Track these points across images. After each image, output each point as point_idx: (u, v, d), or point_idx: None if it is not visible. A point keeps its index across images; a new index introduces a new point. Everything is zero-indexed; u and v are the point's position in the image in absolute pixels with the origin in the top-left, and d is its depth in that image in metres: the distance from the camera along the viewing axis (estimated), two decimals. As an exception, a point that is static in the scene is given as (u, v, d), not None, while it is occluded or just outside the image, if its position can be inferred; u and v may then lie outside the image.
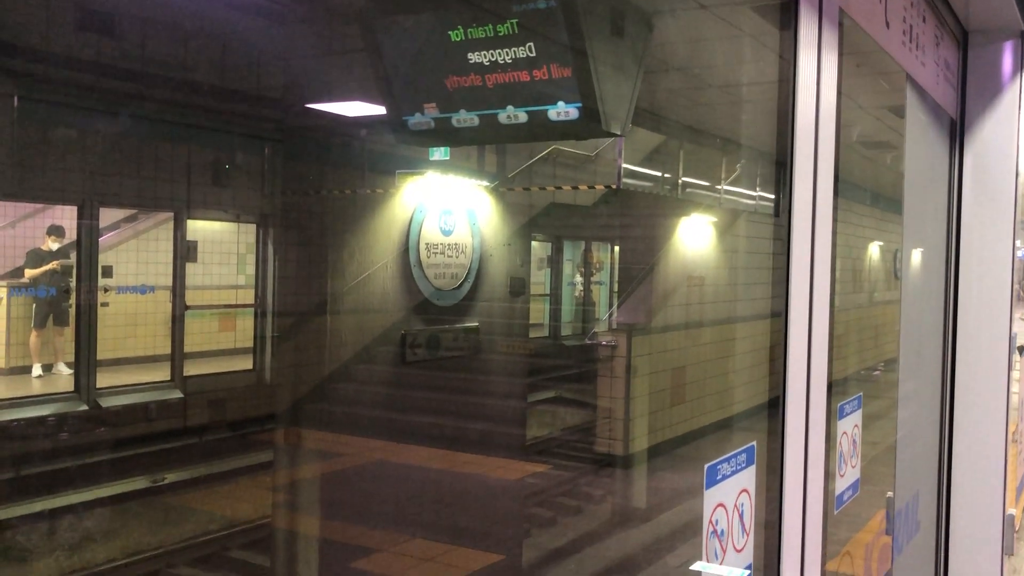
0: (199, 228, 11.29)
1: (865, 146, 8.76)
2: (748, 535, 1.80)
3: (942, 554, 3.02)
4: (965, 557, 2.98)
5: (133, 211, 11.26)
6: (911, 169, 2.98)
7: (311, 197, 9.57)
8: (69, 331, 9.41)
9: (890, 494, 2.71)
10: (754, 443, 1.85)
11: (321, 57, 7.31)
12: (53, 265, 9.58)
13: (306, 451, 7.66)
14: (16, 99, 7.55)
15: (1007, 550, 2.92)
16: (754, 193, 11.61)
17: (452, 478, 7.57)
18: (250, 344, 10.86)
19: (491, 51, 3.53)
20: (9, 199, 9.94)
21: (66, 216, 9.88)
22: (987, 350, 2.98)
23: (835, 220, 1.94)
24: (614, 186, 9.89)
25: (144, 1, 7.49)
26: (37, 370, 9.84)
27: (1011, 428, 3.63)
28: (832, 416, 2.24)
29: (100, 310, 9.18)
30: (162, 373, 9.68)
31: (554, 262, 15.72)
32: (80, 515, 7.37)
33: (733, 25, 6.03)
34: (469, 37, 3.55)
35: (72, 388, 8.63)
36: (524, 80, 3.50)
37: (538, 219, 12.22)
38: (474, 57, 3.56)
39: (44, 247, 9.72)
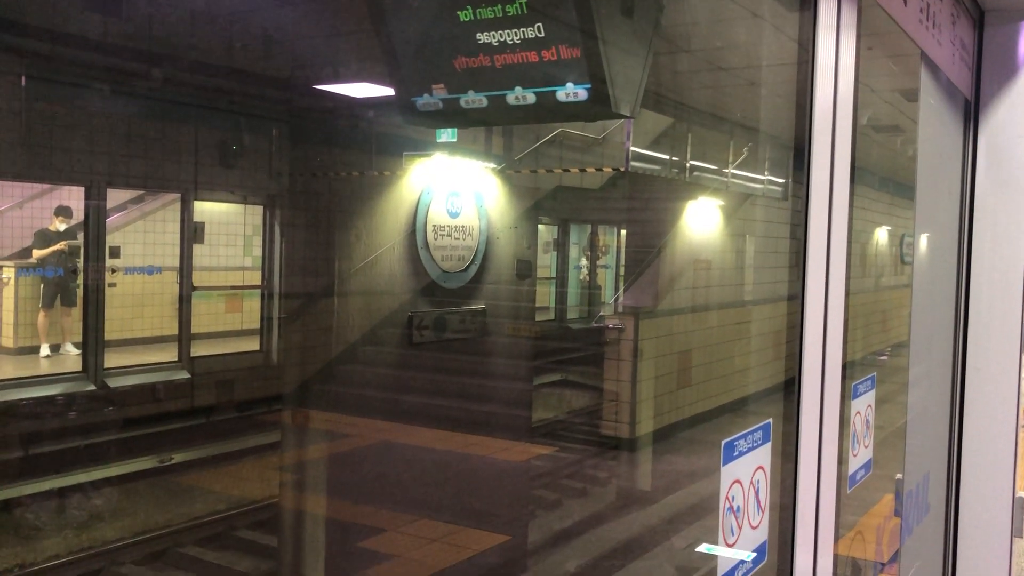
0: (206, 209, 11.29)
1: (875, 130, 8.71)
2: (764, 512, 1.80)
3: (951, 535, 3.03)
4: (974, 539, 2.99)
5: (140, 192, 11.27)
6: (924, 150, 2.96)
7: (318, 179, 9.56)
8: (77, 311, 9.44)
9: (899, 476, 2.71)
10: (770, 420, 1.85)
11: (329, 38, 7.28)
12: (60, 246, 9.61)
13: (313, 432, 7.69)
14: (24, 78, 7.54)
15: (1016, 532, 2.92)
16: (762, 177, 11.56)
17: (458, 459, 7.60)
18: (257, 325, 10.89)
19: (500, 31, 3.50)
20: (17, 179, 9.94)
21: (73, 197, 9.90)
22: (999, 332, 2.97)
23: (851, 204, 1.93)
24: (622, 169, 9.85)
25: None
26: (45, 350, 9.88)
27: (1022, 413, 3.62)
28: (846, 399, 2.24)
29: (107, 291, 9.20)
30: (169, 354, 9.71)
31: (561, 245, 15.70)
32: (88, 494, 7.42)
33: (743, 6, 5.99)
34: (478, 17, 3.52)
35: (80, 368, 8.67)
36: (533, 61, 3.48)
37: (545, 202, 12.20)
38: (483, 37, 3.54)
39: (52, 228, 9.74)
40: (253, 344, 10.66)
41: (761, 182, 11.55)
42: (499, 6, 3.43)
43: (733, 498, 1.69)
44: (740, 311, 10.62)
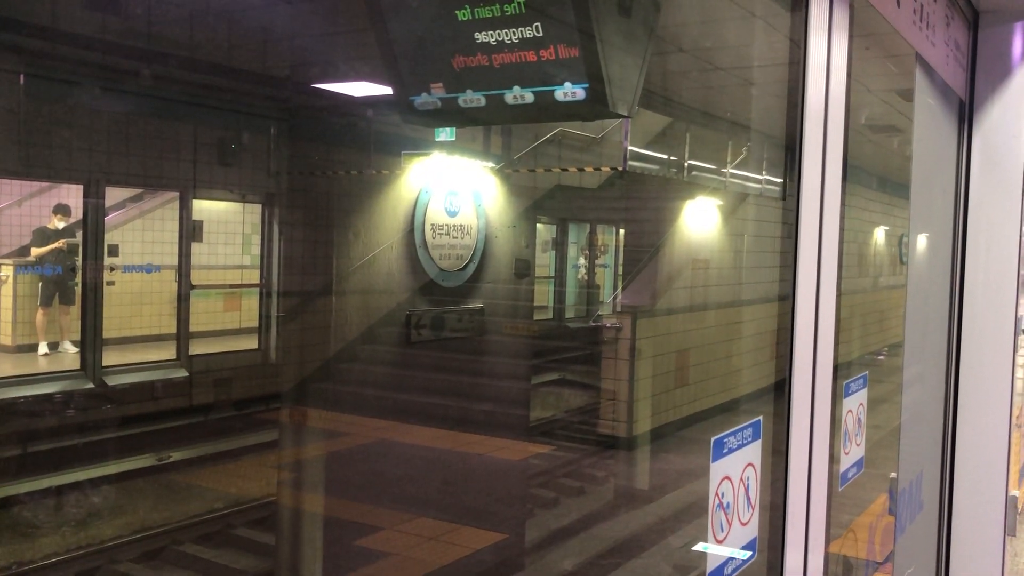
0: (205, 208, 11.30)
1: (872, 130, 8.72)
2: (754, 509, 1.81)
3: (944, 534, 3.04)
4: (968, 537, 3.00)
5: (139, 190, 11.27)
6: (919, 150, 2.98)
7: (317, 177, 9.57)
8: (75, 309, 9.44)
9: (893, 474, 2.72)
10: (760, 418, 1.86)
11: (328, 37, 7.29)
12: (59, 244, 9.61)
13: (311, 430, 7.70)
14: (22, 77, 7.54)
15: (1009, 531, 2.94)
16: (760, 176, 11.58)
17: (456, 458, 7.61)
18: (255, 324, 10.89)
19: (498, 31, 3.51)
20: (15, 178, 9.95)
21: (72, 195, 9.90)
22: (992, 331, 2.99)
23: (843, 204, 1.94)
24: (620, 168, 9.86)
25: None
26: (43, 348, 9.88)
27: (1015, 413, 3.63)
28: (838, 399, 2.25)
29: (106, 289, 9.20)
30: (167, 352, 9.71)
31: (559, 244, 15.71)
32: (86, 492, 7.42)
33: (741, 5, 6.00)
34: (476, 17, 3.53)
35: (78, 366, 8.67)
36: (531, 60, 3.49)
37: (543, 201, 12.21)
38: (481, 37, 3.55)
39: (50, 226, 9.74)
40: (251, 343, 10.66)
41: (759, 182, 11.56)
42: (497, 6, 3.44)
43: (723, 494, 1.70)
44: (738, 310, 10.63)
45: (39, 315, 9.93)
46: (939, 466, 3.06)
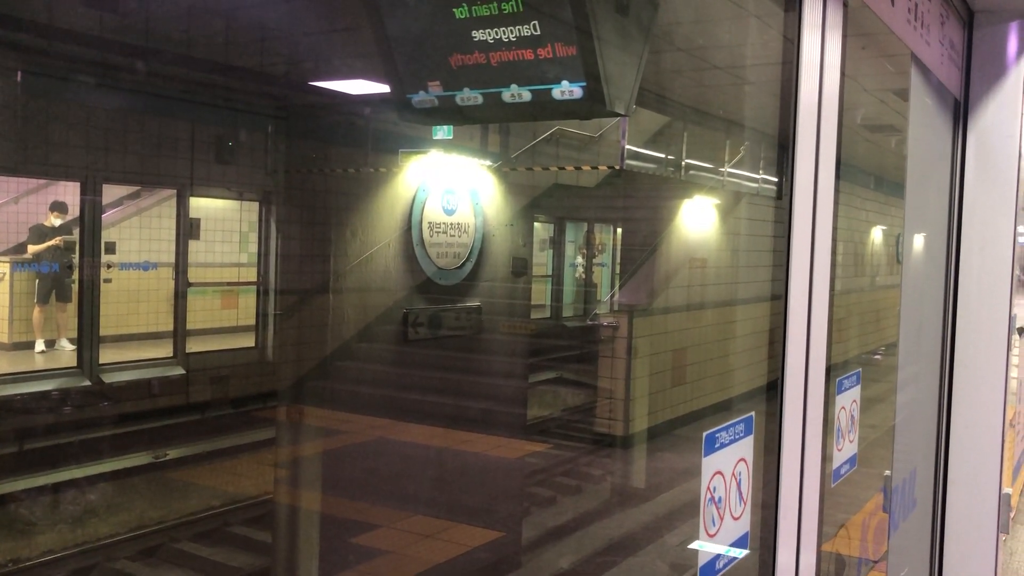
0: (202, 205, 11.30)
1: (869, 129, 8.74)
2: (746, 504, 1.83)
3: (938, 532, 3.05)
4: (961, 534, 3.01)
5: (136, 188, 11.26)
6: (914, 150, 2.99)
7: (314, 175, 9.57)
8: (72, 307, 9.44)
9: (888, 472, 2.73)
10: (752, 414, 1.87)
11: (325, 34, 7.29)
12: (56, 241, 9.60)
13: (308, 428, 7.70)
14: (19, 73, 7.54)
15: (1002, 529, 2.95)
16: (757, 176, 11.59)
17: (453, 456, 7.62)
18: (252, 322, 10.90)
19: (495, 29, 3.52)
20: (12, 174, 9.94)
21: (69, 192, 9.90)
22: (986, 330, 3.00)
23: (836, 203, 1.95)
24: (617, 167, 9.87)
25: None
26: (40, 345, 9.88)
27: (1009, 413, 3.65)
28: (831, 399, 2.26)
29: (103, 286, 9.20)
30: (164, 350, 9.72)
31: (557, 243, 15.73)
32: (83, 489, 7.43)
33: (738, 4, 6.01)
34: (473, 15, 3.53)
35: (75, 364, 8.67)
36: (528, 59, 3.49)
37: (541, 200, 12.21)
38: (478, 35, 3.55)
39: (47, 223, 9.74)
40: (248, 340, 10.66)
41: (756, 181, 11.58)
42: (495, 4, 3.44)
43: (715, 489, 1.71)
44: (735, 309, 10.65)
45: (36, 312, 9.93)
46: (933, 464, 3.08)
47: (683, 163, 10.50)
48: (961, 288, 3.05)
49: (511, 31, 3.52)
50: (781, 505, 1.70)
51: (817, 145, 1.78)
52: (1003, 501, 2.95)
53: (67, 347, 9.76)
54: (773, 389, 1.85)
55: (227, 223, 12.55)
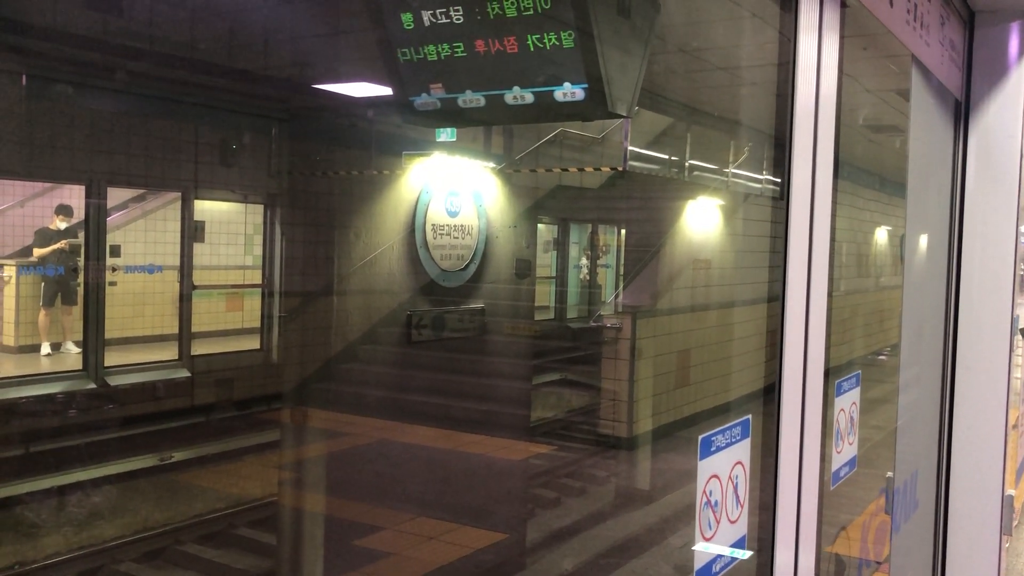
0: (207, 208, 11.32)
1: (872, 129, 8.72)
2: (743, 507, 1.82)
3: (941, 533, 3.04)
4: (964, 536, 3.00)
5: (141, 191, 11.29)
6: (915, 151, 2.98)
7: (318, 177, 9.59)
8: (77, 310, 9.47)
9: (890, 474, 2.73)
10: (749, 416, 1.87)
11: (328, 37, 7.30)
12: (61, 244, 9.63)
13: (312, 430, 7.71)
14: (24, 77, 7.56)
15: (1005, 530, 2.94)
16: (761, 176, 11.58)
17: (457, 458, 7.62)
18: (257, 324, 10.91)
19: (498, 31, 3.51)
20: (18, 178, 9.98)
21: (74, 196, 9.92)
22: (988, 331, 2.99)
23: (834, 204, 1.95)
24: (620, 168, 9.87)
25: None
26: (46, 348, 9.91)
27: (1013, 415, 3.63)
28: (829, 402, 2.25)
29: (108, 289, 9.22)
30: (170, 352, 9.73)
31: (560, 244, 15.72)
32: (88, 492, 7.44)
33: (740, 4, 6.00)
34: (475, 17, 3.53)
35: (80, 366, 8.70)
36: (530, 61, 3.49)
37: (544, 201, 12.21)
38: (481, 36, 3.55)
39: (52, 226, 9.77)
40: (253, 343, 10.68)
41: (760, 181, 11.57)
42: (496, 5, 3.44)
43: (711, 492, 1.71)
44: (740, 311, 10.63)
45: (41, 316, 9.96)
46: (935, 465, 3.07)
47: (686, 164, 10.50)
48: (963, 289, 3.05)
49: (513, 32, 3.52)
50: (779, 508, 1.70)
51: (814, 146, 1.78)
52: (1006, 503, 2.94)
53: (72, 350, 9.79)
54: (775, 390, 1.85)
55: (232, 226, 12.57)
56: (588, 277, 16.78)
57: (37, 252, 9.77)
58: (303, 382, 8.80)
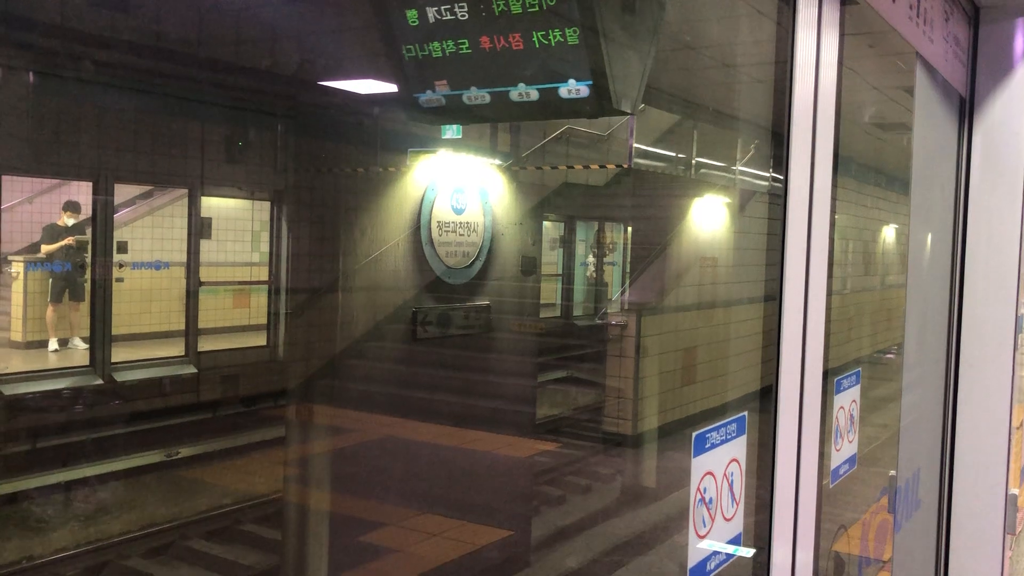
0: (213, 205, 11.35)
1: (880, 127, 8.68)
2: (738, 505, 1.82)
3: (944, 532, 3.03)
4: (967, 535, 2.99)
5: (148, 187, 11.32)
6: (919, 148, 2.97)
7: (324, 175, 9.59)
8: (84, 306, 9.50)
9: (893, 472, 2.72)
10: (745, 413, 1.86)
11: (334, 34, 7.30)
12: (69, 240, 9.67)
13: (318, 427, 7.73)
14: (31, 74, 7.59)
15: (1009, 529, 2.93)
16: (767, 174, 11.55)
17: (462, 455, 7.62)
18: (263, 320, 10.94)
19: (503, 27, 3.51)
20: (26, 175, 10.01)
21: (82, 192, 9.96)
22: (993, 329, 2.97)
23: (834, 199, 1.93)
24: (625, 165, 9.86)
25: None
26: (53, 344, 9.95)
27: (1019, 416, 3.62)
28: (828, 406, 2.24)
29: (115, 285, 9.26)
30: (176, 348, 9.77)
31: (566, 242, 15.71)
32: (95, 487, 7.48)
33: (748, 2, 5.98)
34: (481, 13, 3.53)
35: (87, 362, 8.73)
36: (536, 57, 3.49)
37: (550, 199, 12.20)
38: (486, 33, 3.55)
39: (60, 222, 9.80)
40: (259, 339, 10.71)
41: (766, 179, 11.53)
42: (501, 1, 3.44)
43: (705, 490, 1.70)
44: (746, 309, 10.61)
45: (49, 311, 10.00)
46: (938, 464, 3.05)
47: (693, 161, 10.47)
48: (967, 287, 3.03)
49: (519, 29, 3.51)
50: (776, 506, 1.70)
51: (813, 144, 1.77)
52: (1010, 502, 2.93)
53: (80, 346, 9.83)
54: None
55: (239, 222, 12.60)
56: (594, 275, 16.76)
57: (45, 248, 9.81)
58: (309, 378, 8.81)
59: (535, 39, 3.48)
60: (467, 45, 3.62)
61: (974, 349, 3.00)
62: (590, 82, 3.43)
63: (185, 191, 9.74)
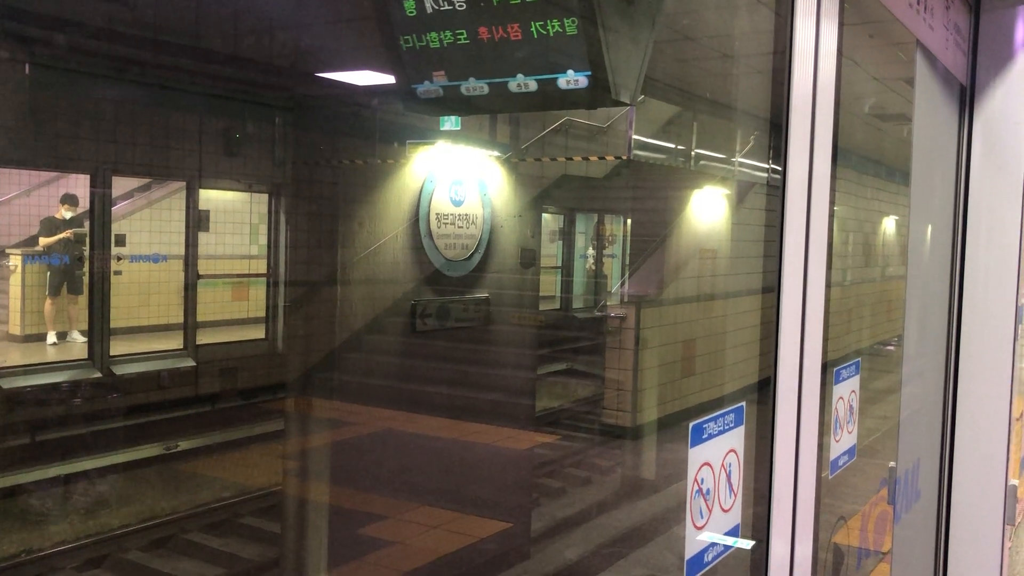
0: (212, 197, 11.32)
1: (880, 118, 8.66)
2: (736, 495, 1.81)
3: (943, 523, 3.03)
4: (967, 526, 2.99)
5: (146, 180, 11.30)
6: (919, 137, 2.95)
7: (322, 167, 9.57)
8: (83, 299, 9.49)
9: (892, 464, 2.71)
10: (743, 403, 1.85)
11: (331, 24, 7.27)
12: (67, 234, 9.65)
13: (317, 420, 7.72)
14: (28, 66, 7.56)
15: (1008, 519, 2.92)
16: (766, 165, 11.53)
17: (461, 447, 7.62)
18: (262, 313, 10.92)
19: (501, 17, 3.49)
20: (23, 167, 9.99)
21: (79, 185, 9.94)
22: (993, 320, 2.96)
23: (833, 190, 1.92)
24: (624, 157, 9.83)
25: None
26: (52, 337, 9.94)
27: (1019, 406, 3.61)
28: (827, 397, 2.23)
29: (113, 279, 9.24)
30: (175, 342, 9.76)
31: (566, 234, 15.70)
32: (94, 481, 7.48)
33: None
34: (479, 2, 3.51)
35: (86, 355, 8.72)
36: (534, 48, 3.47)
37: (550, 191, 12.18)
38: (484, 24, 3.53)
39: (58, 216, 9.78)
40: (258, 332, 10.70)
41: (766, 170, 11.51)
42: (499, -9, 3.41)
43: (702, 480, 1.70)
44: (746, 300, 10.59)
45: (47, 305, 9.98)
46: (938, 455, 3.05)
47: (692, 153, 10.45)
48: (967, 277, 3.02)
49: (517, 19, 3.49)
50: (775, 498, 1.69)
51: (812, 134, 1.76)
52: (1009, 492, 2.92)
53: (78, 339, 9.82)
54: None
55: (237, 215, 12.58)
56: (593, 267, 16.76)
57: (43, 241, 9.79)
58: (308, 371, 8.81)
59: (533, 29, 3.46)
60: (465, 35, 3.60)
61: (974, 340, 2.99)
62: (589, 72, 3.41)
63: (183, 184, 9.71)
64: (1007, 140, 2.98)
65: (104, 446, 7.89)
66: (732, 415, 1.82)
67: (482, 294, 9.72)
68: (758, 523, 1.88)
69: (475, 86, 3.68)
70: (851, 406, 2.54)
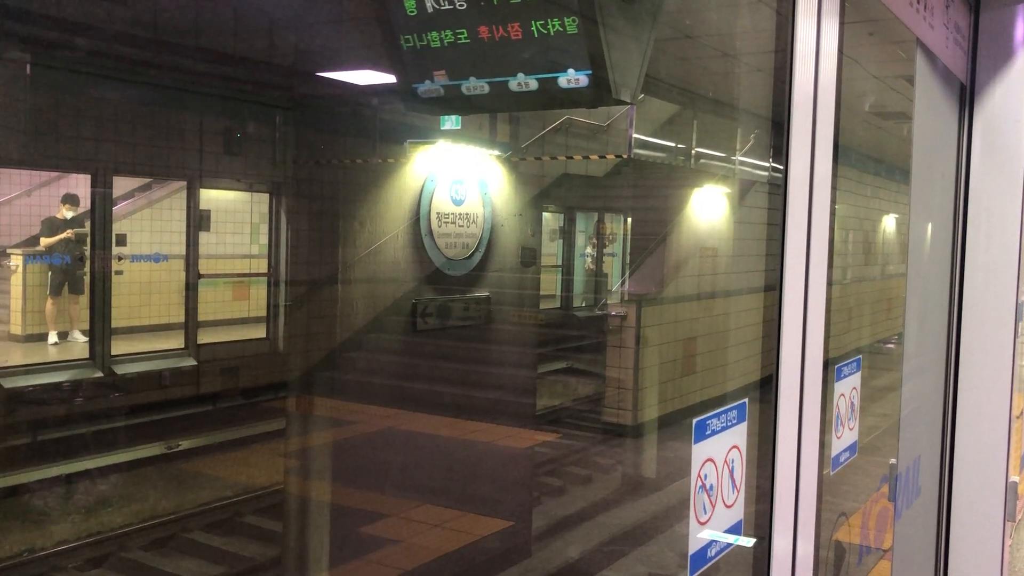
0: (212, 197, 11.33)
1: (881, 116, 8.67)
2: (739, 491, 1.82)
3: (944, 520, 3.04)
4: (967, 523, 3.00)
5: (147, 180, 11.30)
6: (919, 136, 2.96)
7: (322, 166, 9.58)
8: (84, 299, 9.50)
9: (893, 460, 2.72)
10: (745, 400, 1.86)
11: (332, 24, 7.28)
12: (68, 233, 9.65)
13: (318, 419, 7.73)
14: (28, 66, 7.56)
15: (1009, 516, 2.93)
16: (767, 164, 11.54)
17: (462, 446, 7.63)
18: (263, 313, 10.93)
19: (502, 17, 3.49)
20: (24, 167, 10.00)
21: (80, 185, 9.94)
22: (993, 317, 2.97)
23: (834, 189, 1.93)
24: (624, 156, 9.84)
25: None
26: (53, 337, 9.95)
27: (1019, 404, 3.61)
28: (828, 395, 2.24)
29: (114, 278, 9.25)
30: (176, 341, 9.76)
31: (566, 233, 15.70)
32: (95, 480, 7.49)
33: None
34: (479, 2, 3.51)
35: (87, 355, 8.73)
36: (535, 47, 3.47)
37: (550, 189, 12.19)
38: (485, 23, 3.53)
39: (59, 215, 9.79)
40: (259, 331, 10.71)
41: (766, 169, 11.52)
42: (500, -9, 3.42)
43: (705, 476, 1.71)
44: (747, 299, 10.60)
45: (48, 304, 9.99)
46: (939, 452, 3.06)
47: (693, 151, 10.45)
48: (967, 275, 3.03)
49: (517, 18, 3.50)
50: (777, 495, 1.69)
51: (813, 133, 1.76)
52: (1010, 489, 2.93)
53: (79, 339, 9.83)
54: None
55: (238, 215, 12.59)
56: (594, 265, 16.76)
57: (44, 241, 9.80)
58: (309, 370, 8.82)
59: (534, 28, 3.47)
60: (466, 35, 3.61)
61: (974, 337, 3.00)
62: (589, 71, 3.41)
63: (184, 183, 9.72)
64: (1007, 139, 2.98)
65: (106, 445, 7.90)
66: (735, 411, 1.83)
67: (483, 293, 9.73)
68: (760, 520, 1.89)
69: (476, 85, 3.69)
70: (852, 403, 2.55)
